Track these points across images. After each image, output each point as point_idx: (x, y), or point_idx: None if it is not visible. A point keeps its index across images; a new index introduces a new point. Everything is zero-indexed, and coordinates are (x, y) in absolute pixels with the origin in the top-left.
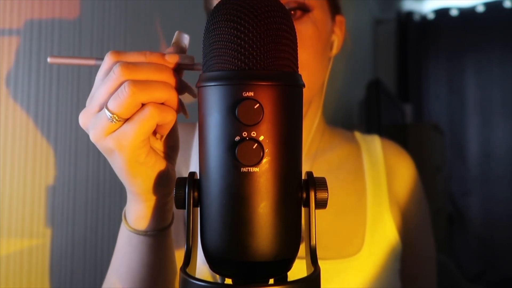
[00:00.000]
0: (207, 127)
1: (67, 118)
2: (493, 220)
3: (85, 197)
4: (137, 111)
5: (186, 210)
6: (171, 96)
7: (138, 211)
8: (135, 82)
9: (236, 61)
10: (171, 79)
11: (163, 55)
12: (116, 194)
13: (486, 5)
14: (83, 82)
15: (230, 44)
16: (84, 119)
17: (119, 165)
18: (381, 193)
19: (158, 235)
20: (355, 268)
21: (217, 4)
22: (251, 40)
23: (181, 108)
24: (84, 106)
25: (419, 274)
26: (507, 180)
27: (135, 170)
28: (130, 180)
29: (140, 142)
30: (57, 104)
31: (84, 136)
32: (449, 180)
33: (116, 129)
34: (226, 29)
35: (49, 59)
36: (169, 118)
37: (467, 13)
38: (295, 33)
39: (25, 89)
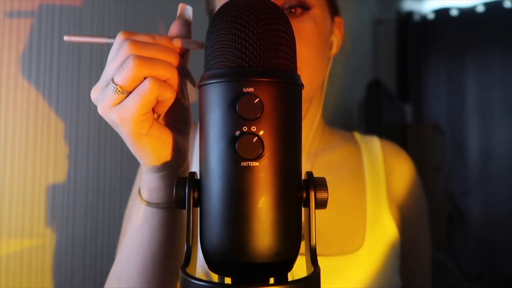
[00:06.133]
0: (208, 124)
1: (67, 117)
2: (493, 220)
3: (85, 197)
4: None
5: (186, 210)
6: (172, 76)
7: (150, 183)
8: (140, 57)
9: (236, 59)
10: (175, 61)
11: (171, 39)
12: (116, 194)
13: (486, 5)
14: (83, 81)
15: (231, 43)
16: (95, 94)
17: (125, 136)
18: (380, 192)
19: (169, 208)
20: (356, 265)
21: (219, 9)
22: (251, 39)
23: (180, 92)
24: (83, 105)
25: (416, 268)
26: (507, 180)
27: (140, 141)
28: (138, 152)
29: (141, 115)
30: (57, 103)
31: (84, 135)
32: (449, 180)
33: (120, 102)
34: (228, 29)
35: (65, 38)
36: (168, 95)
37: (467, 13)
38: (293, 35)
39: (24, 89)
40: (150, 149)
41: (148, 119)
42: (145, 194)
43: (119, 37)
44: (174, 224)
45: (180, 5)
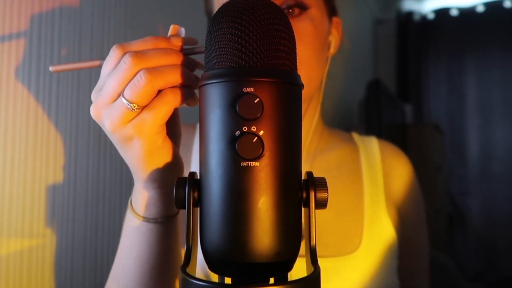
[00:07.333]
0: (208, 124)
1: (67, 118)
2: (493, 220)
3: (85, 197)
4: (154, 97)
5: (186, 210)
6: (184, 77)
7: (149, 199)
8: (150, 70)
9: (237, 59)
10: (179, 60)
11: (168, 38)
12: (116, 194)
13: (486, 5)
14: (83, 81)
15: (231, 43)
16: (97, 111)
17: (136, 151)
18: (378, 193)
19: (167, 222)
20: (354, 266)
21: (219, 9)
22: (252, 39)
23: (191, 93)
24: (83, 106)
25: (414, 269)
26: (507, 180)
27: (152, 155)
28: (146, 166)
29: (159, 126)
30: (57, 103)
31: (84, 136)
32: (449, 180)
33: (134, 117)
34: (228, 29)
35: (50, 68)
36: (185, 99)
37: (467, 13)
38: (293, 35)
39: (25, 89)
40: (159, 162)
41: (163, 130)
42: (142, 210)
43: (115, 52)
44: (171, 237)
45: (172, 26)
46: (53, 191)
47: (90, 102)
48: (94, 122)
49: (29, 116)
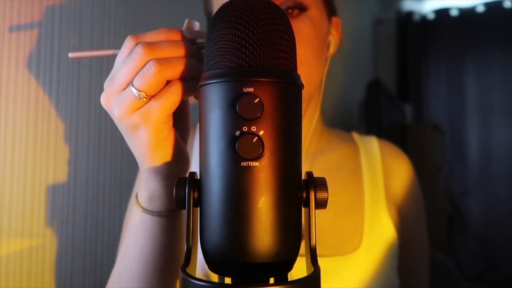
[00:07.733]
0: (208, 124)
1: (67, 118)
2: (493, 220)
3: (85, 197)
4: (163, 87)
5: (186, 210)
6: (193, 69)
7: (153, 191)
8: (160, 61)
9: (237, 59)
10: (190, 53)
11: (181, 31)
12: (116, 194)
13: (486, 5)
14: (83, 82)
15: (231, 43)
16: (107, 99)
17: (142, 140)
18: (378, 193)
19: (171, 215)
20: (354, 265)
21: (219, 9)
22: (252, 39)
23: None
24: (83, 106)
25: (415, 269)
26: (507, 180)
27: (158, 145)
28: (151, 156)
29: (166, 116)
30: (57, 103)
31: (84, 136)
32: (449, 180)
33: (142, 106)
34: (228, 29)
35: (69, 55)
36: (193, 92)
37: (467, 13)
38: (293, 35)
39: (25, 89)
40: (164, 154)
41: (169, 121)
42: (146, 203)
43: (129, 42)
44: (175, 230)
45: (187, 20)
46: (53, 191)
47: (91, 102)
48: (94, 122)
49: (29, 116)
